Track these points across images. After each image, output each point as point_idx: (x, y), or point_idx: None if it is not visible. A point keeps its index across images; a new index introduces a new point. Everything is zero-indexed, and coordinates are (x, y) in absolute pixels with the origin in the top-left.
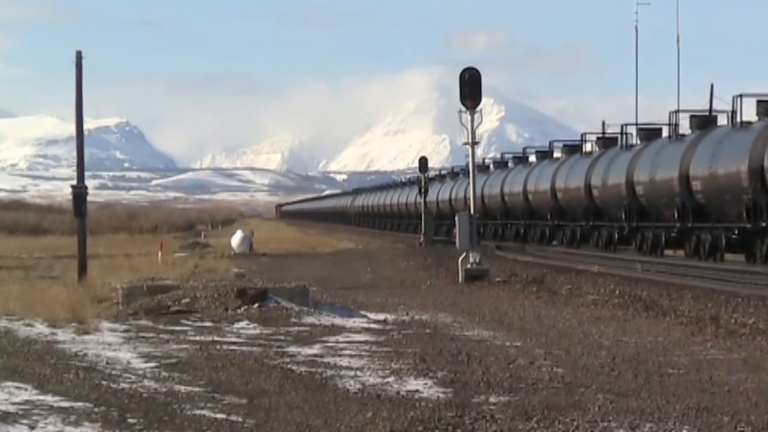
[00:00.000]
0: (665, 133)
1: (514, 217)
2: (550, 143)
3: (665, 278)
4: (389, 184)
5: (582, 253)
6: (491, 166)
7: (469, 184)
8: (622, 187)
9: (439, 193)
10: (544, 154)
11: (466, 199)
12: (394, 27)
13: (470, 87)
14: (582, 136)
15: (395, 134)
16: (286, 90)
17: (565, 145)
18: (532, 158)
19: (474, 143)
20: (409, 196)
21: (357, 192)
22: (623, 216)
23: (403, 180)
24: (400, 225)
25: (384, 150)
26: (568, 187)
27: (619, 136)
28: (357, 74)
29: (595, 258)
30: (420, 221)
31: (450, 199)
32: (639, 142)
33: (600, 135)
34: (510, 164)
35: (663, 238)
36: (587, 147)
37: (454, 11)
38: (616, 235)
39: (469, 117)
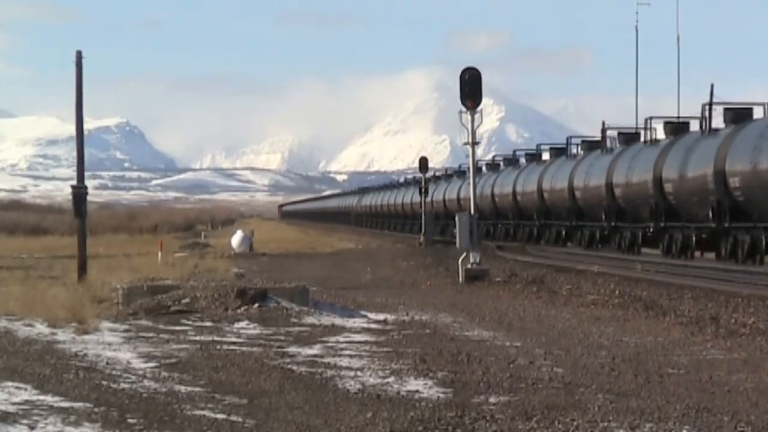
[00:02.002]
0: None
1: (528, 217)
2: (568, 139)
3: (665, 278)
4: (396, 183)
5: (582, 253)
6: (501, 164)
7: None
8: (648, 185)
9: (446, 193)
10: (560, 151)
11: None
12: (394, 27)
13: (470, 87)
14: (602, 132)
15: (395, 134)
16: (286, 90)
17: (583, 142)
18: (546, 156)
19: (474, 143)
20: (413, 196)
21: (363, 191)
22: (649, 215)
23: (407, 180)
24: (406, 225)
25: (384, 150)
26: (587, 185)
27: (642, 131)
28: (357, 74)
29: (595, 258)
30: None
31: (458, 199)
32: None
33: (619, 130)
34: (522, 161)
35: (693, 239)
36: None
37: (454, 11)
38: (640, 236)
39: (469, 117)
